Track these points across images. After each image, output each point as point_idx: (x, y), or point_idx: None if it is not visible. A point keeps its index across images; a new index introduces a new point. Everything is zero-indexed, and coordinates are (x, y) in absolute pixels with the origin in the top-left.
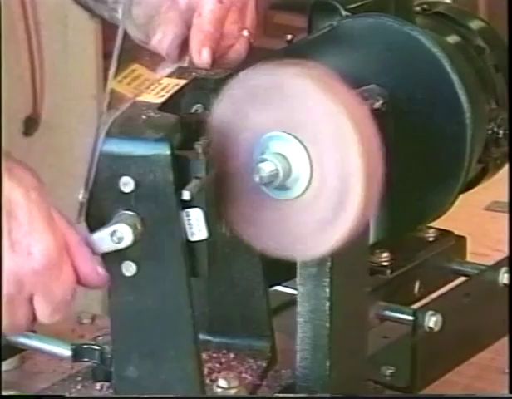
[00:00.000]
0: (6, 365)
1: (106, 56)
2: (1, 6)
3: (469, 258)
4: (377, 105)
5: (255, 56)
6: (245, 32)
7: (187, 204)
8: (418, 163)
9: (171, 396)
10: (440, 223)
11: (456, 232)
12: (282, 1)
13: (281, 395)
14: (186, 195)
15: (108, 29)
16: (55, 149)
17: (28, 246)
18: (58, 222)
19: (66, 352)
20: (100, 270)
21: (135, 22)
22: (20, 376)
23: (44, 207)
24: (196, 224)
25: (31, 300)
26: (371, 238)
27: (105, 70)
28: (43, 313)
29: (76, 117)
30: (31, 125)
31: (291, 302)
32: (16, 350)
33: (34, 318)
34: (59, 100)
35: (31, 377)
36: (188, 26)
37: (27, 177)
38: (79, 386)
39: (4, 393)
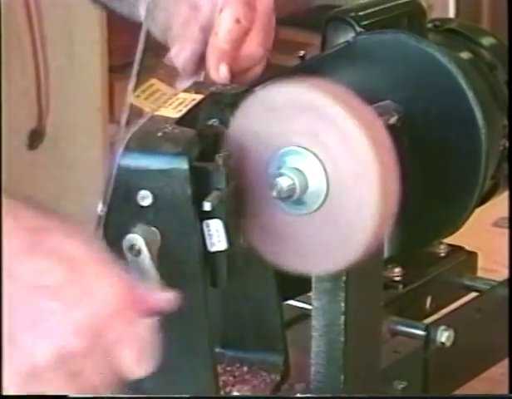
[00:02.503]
0: None
1: (112, 69)
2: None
3: (479, 273)
4: (392, 120)
5: (265, 72)
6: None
7: (207, 215)
8: (433, 178)
9: (175, 396)
10: (448, 238)
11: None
12: (287, 17)
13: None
14: (207, 206)
15: (114, 43)
16: (59, 162)
17: (96, 295)
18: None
19: None
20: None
21: (156, 25)
22: None
23: (102, 255)
24: (216, 235)
25: (113, 353)
26: (386, 253)
27: (111, 84)
28: (130, 364)
29: (80, 131)
30: (35, 138)
31: (303, 316)
32: None
33: (121, 375)
34: (64, 114)
35: None
36: (207, 41)
37: (80, 230)
38: None
39: None
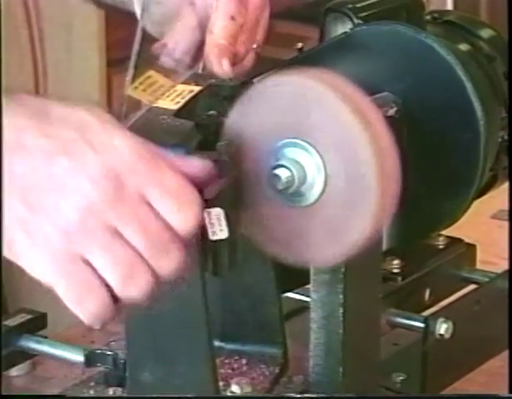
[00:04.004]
0: (17, 370)
1: (109, 63)
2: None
3: (477, 266)
4: (391, 112)
5: (262, 65)
6: (254, 45)
7: (208, 204)
8: (431, 170)
9: (169, 395)
10: (447, 230)
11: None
12: (284, 10)
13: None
14: (208, 195)
15: (112, 37)
16: None
17: (111, 147)
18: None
19: (79, 357)
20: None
21: (152, 19)
22: (31, 381)
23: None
24: (217, 224)
25: (146, 202)
26: (384, 246)
27: (109, 77)
28: (172, 211)
29: None
30: None
31: (302, 308)
32: (27, 355)
33: (170, 231)
34: None
35: (42, 383)
36: (203, 35)
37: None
38: (91, 392)
39: None
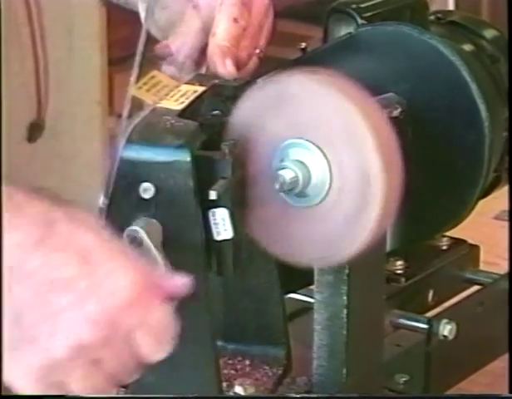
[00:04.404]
0: None
1: (111, 62)
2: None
3: (480, 266)
4: (395, 113)
5: (266, 64)
6: (257, 50)
7: (213, 204)
8: (436, 171)
9: (171, 396)
10: (450, 231)
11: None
12: (287, 9)
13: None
14: (213, 195)
15: (113, 35)
16: (59, 155)
17: (111, 285)
18: (129, 254)
19: None
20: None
21: (157, 24)
22: None
23: (115, 243)
24: (222, 224)
25: (131, 340)
26: (388, 247)
27: (110, 76)
28: (149, 349)
29: (80, 123)
30: (35, 131)
31: (305, 309)
32: None
33: (141, 360)
34: (63, 106)
35: None
36: (207, 39)
37: (90, 219)
38: None
39: None
